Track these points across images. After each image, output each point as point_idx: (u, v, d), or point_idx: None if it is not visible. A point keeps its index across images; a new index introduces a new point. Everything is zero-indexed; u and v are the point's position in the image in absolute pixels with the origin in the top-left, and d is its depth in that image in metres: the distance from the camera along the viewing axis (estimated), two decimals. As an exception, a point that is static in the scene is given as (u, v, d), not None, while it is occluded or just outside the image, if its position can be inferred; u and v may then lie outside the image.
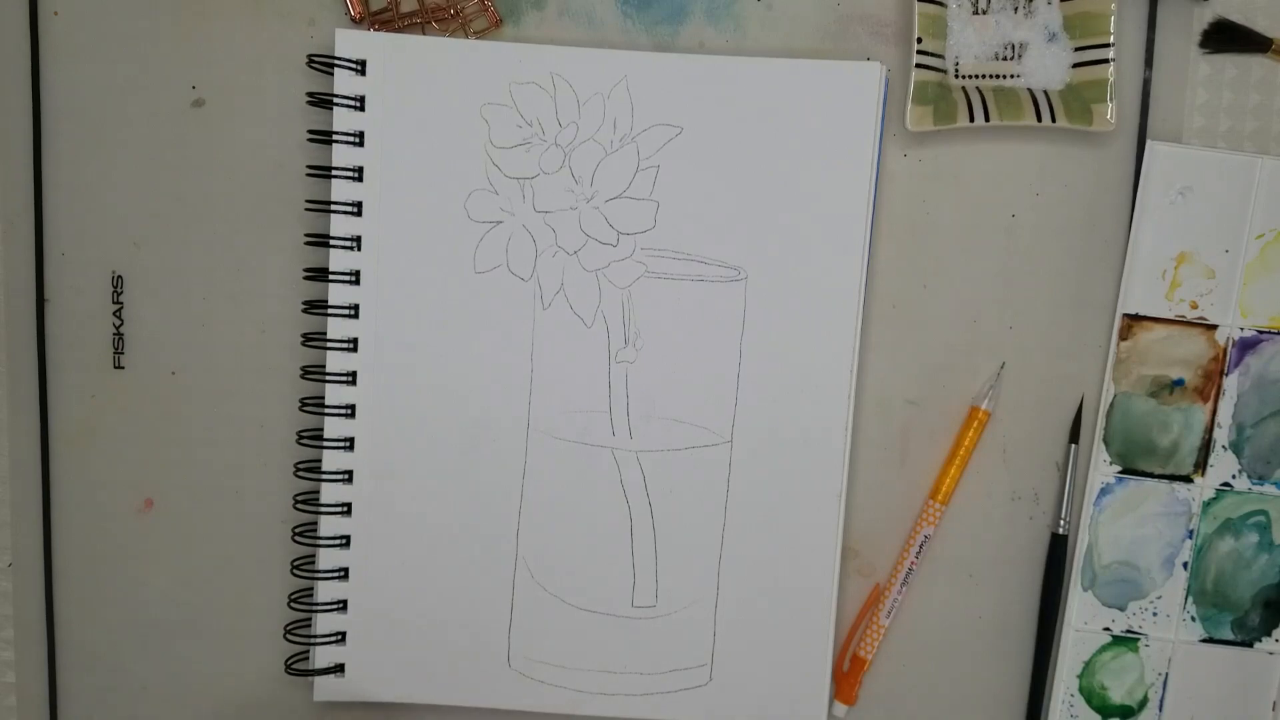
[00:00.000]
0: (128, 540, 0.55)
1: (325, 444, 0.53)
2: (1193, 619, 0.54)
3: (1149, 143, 0.51)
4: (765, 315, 0.51)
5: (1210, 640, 0.54)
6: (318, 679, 0.54)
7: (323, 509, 0.53)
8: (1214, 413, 0.52)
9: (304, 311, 0.53)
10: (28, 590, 0.56)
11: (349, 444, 0.53)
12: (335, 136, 0.51)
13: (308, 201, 0.52)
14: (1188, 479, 0.53)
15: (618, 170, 0.51)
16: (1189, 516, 0.53)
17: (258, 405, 0.54)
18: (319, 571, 0.53)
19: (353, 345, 0.52)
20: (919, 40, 0.50)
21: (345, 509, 0.53)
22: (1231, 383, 0.52)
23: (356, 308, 0.52)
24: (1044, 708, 0.54)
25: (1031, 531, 0.54)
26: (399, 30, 0.52)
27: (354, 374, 0.52)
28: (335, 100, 0.51)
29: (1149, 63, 0.51)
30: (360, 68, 0.51)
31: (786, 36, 0.51)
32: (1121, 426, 0.52)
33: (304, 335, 0.53)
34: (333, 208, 0.51)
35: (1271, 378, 0.52)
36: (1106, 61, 0.50)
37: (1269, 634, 0.54)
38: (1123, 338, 0.52)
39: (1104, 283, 0.52)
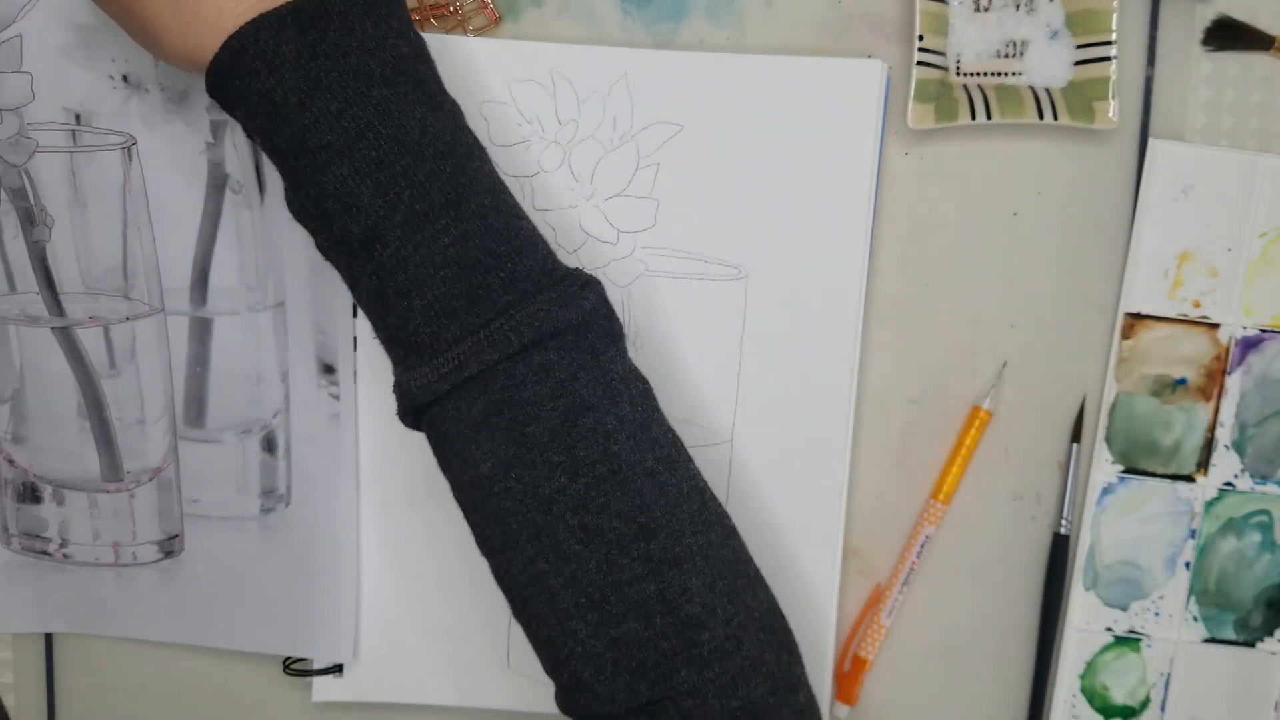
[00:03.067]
0: (126, 540, 0.55)
1: (324, 443, 0.53)
2: (1195, 619, 0.53)
3: (1151, 141, 0.51)
4: (765, 314, 0.51)
5: (1212, 640, 0.54)
6: (316, 679, 0.54)
7: (321, 509, 0.53)
8: (1216, 412, 0.52)
9: (303, 310, 0.52)
10: (26, 590, 0.55)
11: (348, 443, 0.52)
12: (334, 134, 0.51)
13: (306, 200, 0.52)
14: (1190, 478, 0.53)
15: (617, 168, 0.51)
16: (1191, 516, 0.53)
17: (256, 404, 0.54)
18: (318, 571, 0.53)
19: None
20: (920, 38, 0.49)
21: (344, 509, 0.53)
22: (1234, 382, 0.52)
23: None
24: (1046, 708, 0.54)
25: (1033, 531, 0.54)
26: (398, 28, 0.51)
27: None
28: (334, 98, 0.51)
29: (1151, 60, 0.51)
30: (359, 65, 0.50)
31: (787, 34, 0.51)
32: (1123, 426, 0.52)
33: (303, 334, 0.53)
34: (331, 206, 0.51)
35: (1274, 377, 0.52)
36: (1108, 59, 0.49)
37: (1271, 634, 0.54)
38: (1125, 336, 0.52)
39: (1106, 281, 0.52)
